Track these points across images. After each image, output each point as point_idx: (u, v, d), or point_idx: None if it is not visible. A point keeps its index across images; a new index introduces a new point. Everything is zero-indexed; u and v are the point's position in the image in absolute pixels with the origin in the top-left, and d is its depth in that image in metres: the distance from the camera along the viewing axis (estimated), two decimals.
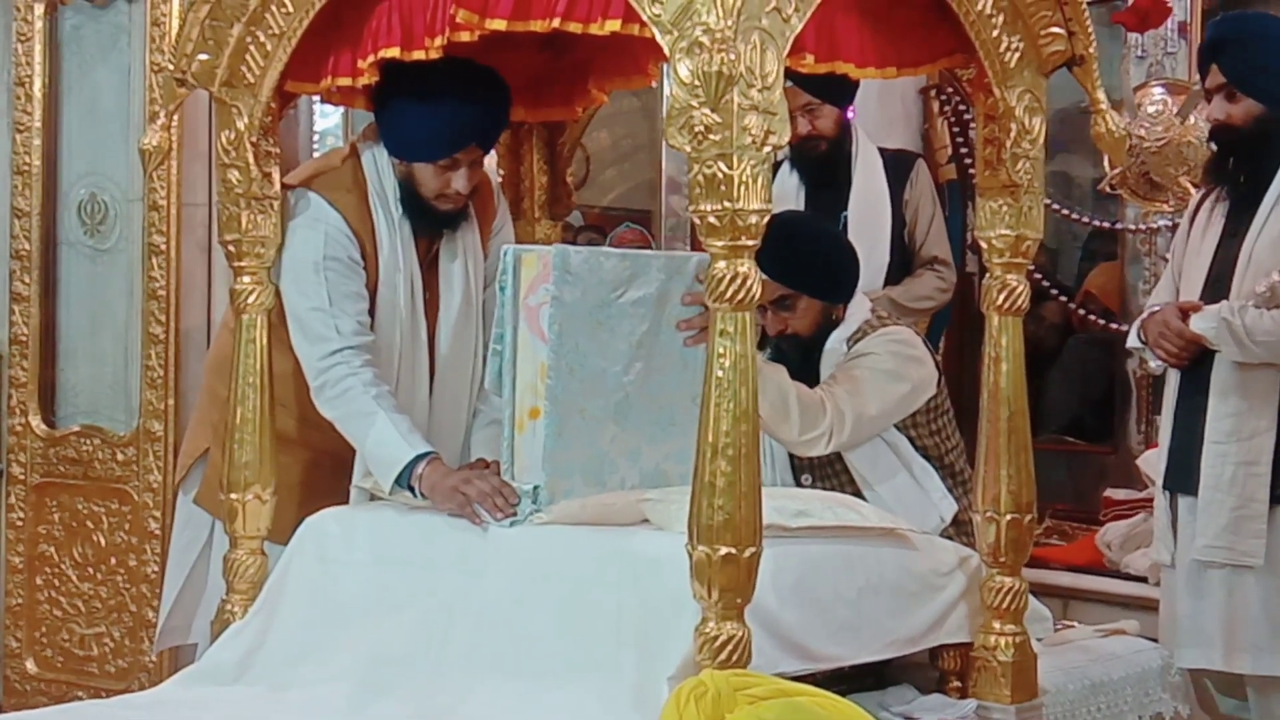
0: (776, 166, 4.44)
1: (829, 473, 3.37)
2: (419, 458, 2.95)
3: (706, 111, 2.30)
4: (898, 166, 4.43)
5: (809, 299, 3.34)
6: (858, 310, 3.42)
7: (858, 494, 3.29)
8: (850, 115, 4.46)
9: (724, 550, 2.33)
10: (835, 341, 3.37)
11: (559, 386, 2.71)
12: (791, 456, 3.40)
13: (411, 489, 2.95)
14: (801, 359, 3.34)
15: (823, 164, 4.33)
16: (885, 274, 4.29)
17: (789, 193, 4.39)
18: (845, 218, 4.26)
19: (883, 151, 4.49)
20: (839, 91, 4.25)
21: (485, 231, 3.37)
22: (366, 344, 3.12)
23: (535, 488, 2.75)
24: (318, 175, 3.22)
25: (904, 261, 4.36)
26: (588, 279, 2.72)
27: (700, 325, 2.78)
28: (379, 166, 3.20)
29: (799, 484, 3.41)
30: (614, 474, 2.78)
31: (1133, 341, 3.71)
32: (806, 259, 3.35)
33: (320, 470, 3.28)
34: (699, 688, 2.09)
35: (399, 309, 3.20)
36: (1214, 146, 3.68)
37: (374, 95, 3.11)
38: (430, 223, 3.22)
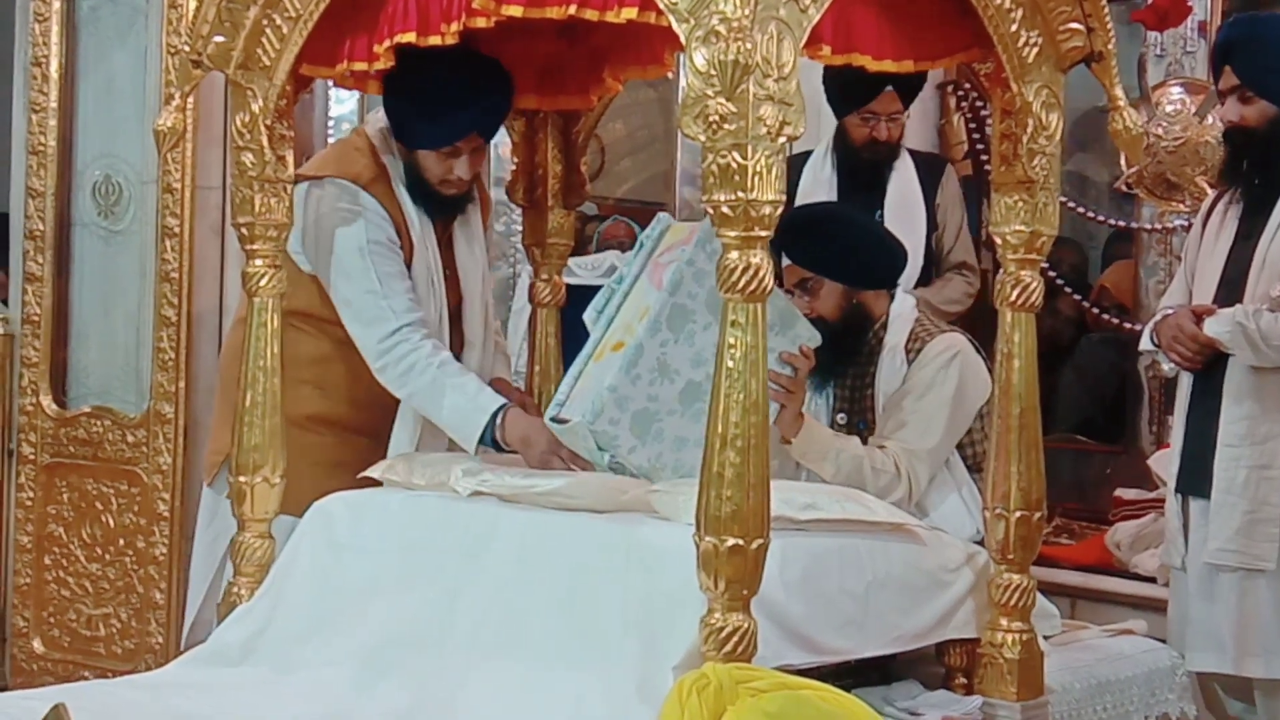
0: (807, 155, 4.44)
1: None
2: (490, 420, 3.14)
3: (722, 101, 2.29)
4: (929, 170, 4.43)
5: (830, 283, 3.34)
6: (904, 311, 3.39)
7: None
8: None
9: (731, 541, 2.32)
10: (891, 350, 3.34)
11: (654, 328, 2.75)
12: None
13: (497, 444, 3.14)
14: (833, 345, 3.33)
15: (875, 167, 4.33)
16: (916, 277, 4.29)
17: (823, 184, 4.39)
18: (880, 218, 4.25)
19: (912, 154, 4.49)
20: (912, 99, 4.32)
21: (484, 225, 3.54)
22: (420, 319, 3.26)
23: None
24: (343, 168, 3.31)
25: (928, 264, 4.36)
26: None
27: (785, 385, 2.99)
28: (395, 154, 3.31)
29: None
30: (656, 443, 2.80)
31: (1145, 344, 3.70)
32: (824, 243, 3.37)
33: (352, 449, 3.36)
34: (701, 680, 2.09)
35: (432, 287, 3.34)
36: (1227, 148, 3.66)
37: (383, 82, 3.17)
38: (437, 207, 3.34)
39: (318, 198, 3.29)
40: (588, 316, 2.94)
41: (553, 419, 2.83)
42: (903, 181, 4.33)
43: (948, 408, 3.26)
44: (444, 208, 3.34)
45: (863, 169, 4.33)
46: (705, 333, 2.78)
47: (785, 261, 3.38)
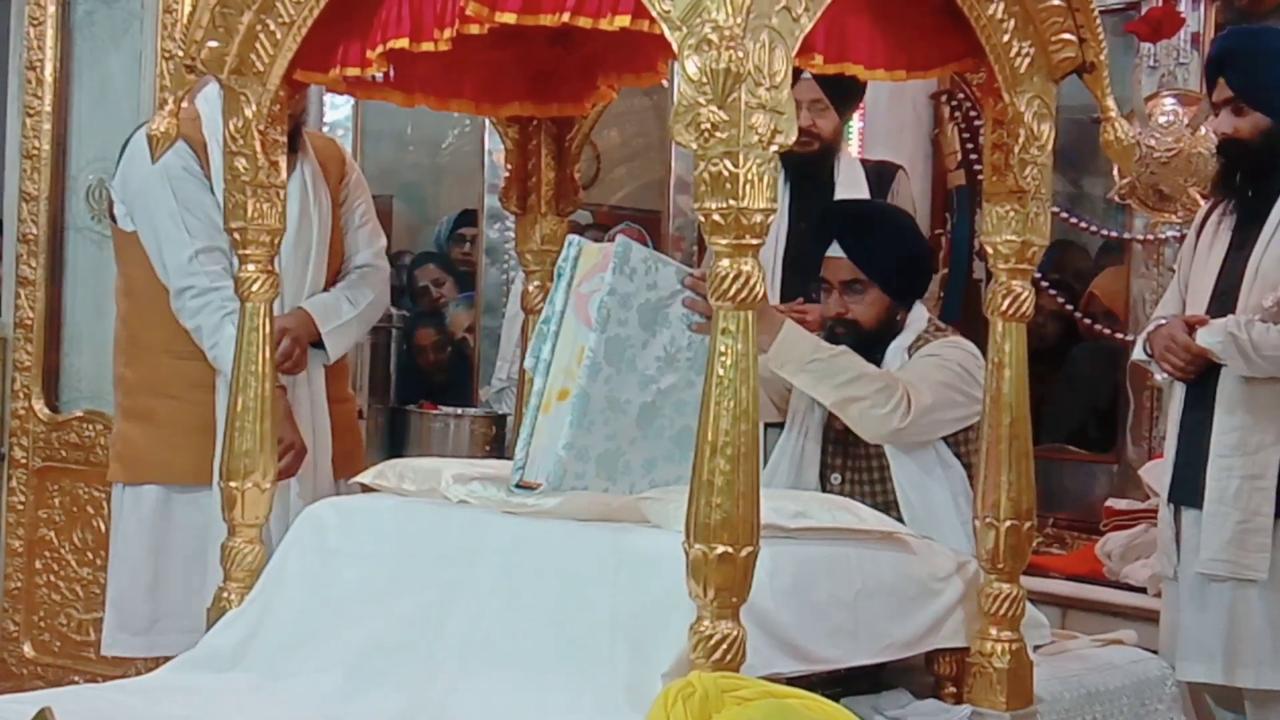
0: None
1: (863, 480, 3.36)
2: None
3: (713, 109, 2.29)
4: (880, 177, 4.43)
5: (878, 291, 3.35)
6: (916, 321, 3.41)
7: (891, 503, 3.29)
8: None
9: (720, 549, 2.32)
10: (895, 351, 3.35)
11: (593, 371, 2.71)
12: (824, 455, 3.39)
13: None
14: (858, 351, 3.32)
15: (810, 163, 4.31)
16: None
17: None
18: None
19: (864, 163, 4.50)
20: (847, 99, 4.28)
21: (332, 180, 3.78)
22: (218, 246, 3.49)
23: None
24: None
25: None
26: (643, 278, 2.74)
27: (704, 311, 2.74)
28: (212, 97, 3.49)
29: (827, 483, 3.39)
30: (626, 475, 2.78)
31: (1138, 354, 3.71)
32: (890, 252, 3.38)
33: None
34: (687, 688, 2.08)
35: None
36: (1221, 160, 3.67)
37: None
38: None
39: (128, 151, 3.57)
40: (528, 365, 2.91)
41: (518, 485, 2.80)
42: (852, 189, 4.33)
43: (945, 370, 3.23)
44: None
45: (799, 164, 4.33)
46: (645, 351, 2.76)
47: (836, 251, 3.36)
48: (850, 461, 3.36)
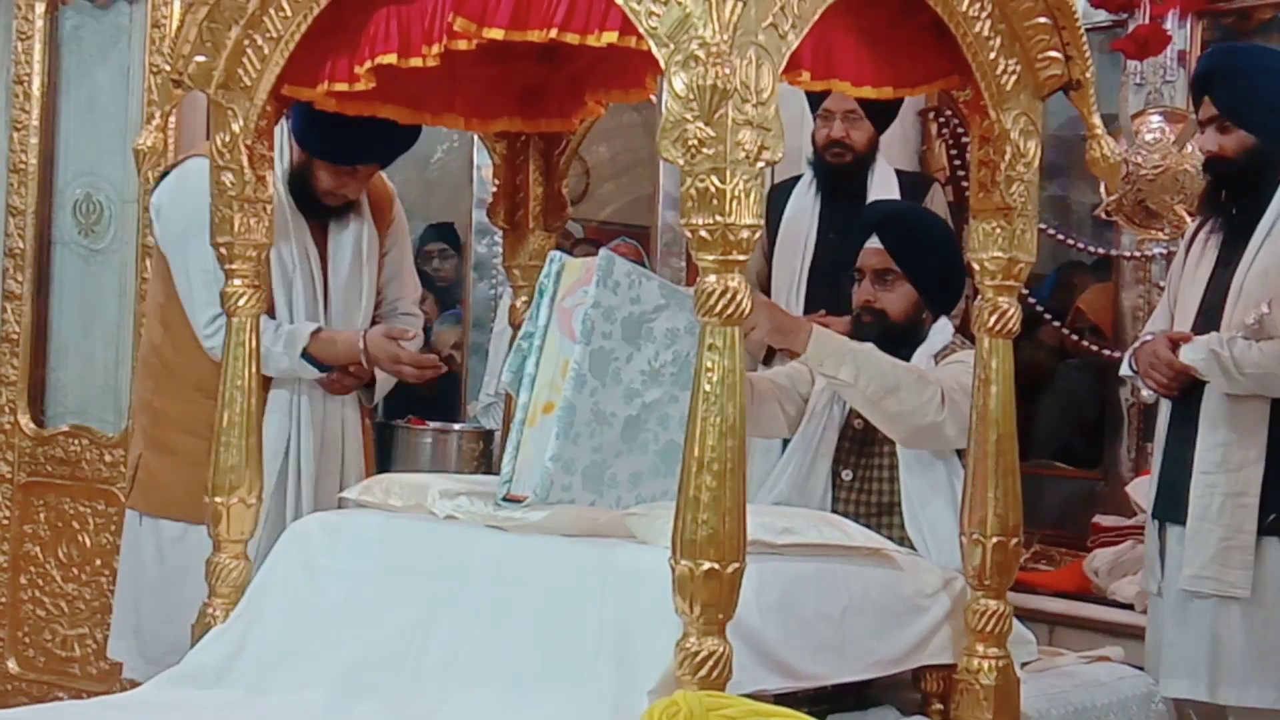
0: (794, 183, 4.43)
1: (872, 478, 3.37)
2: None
3: (700, 125, 2.29)
4: (914, 189, 4.42)
5: (909, 286, 3.37)
6: (942, 332, 3.42)
7: (896, 505, 3.29)
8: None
9: (707, 565, 2.31)
10: (921, 356, 3.35)
11: (579, 384, 2.72)
12: (838, 452, 3.39)
13: (312, 361, 3.56)
14: (877, 340, 3.32)
15: (843, 175, 4.30)
16: None
17: (805, 209, 4.38)
18: None
19: (899, 173, 4.48)
20: (882, 112, 4.26)
21: (381, 225, 3.77)
22: None
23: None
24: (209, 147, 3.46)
25: None
26: (627, 292, 2.75)
27: None
28: (279, 140, 3.42)
29: (838, 478, 3.39)
30: (613, 489, 2.78)
31: (1124, 370, 3.72)
32: (927, 249, 3.42)
33: None
34: (671, 707, 2.07)
35: (284, 264, 3.54)
36: (1207, 178, 3.68)
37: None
38: (313, 210, 3.56)
39: (178, 175, 3.52)
40: (505, 380, 2.91)
41: (504, 498, 2.80)
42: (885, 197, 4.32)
43: (970, 376, 3.22)
44: (321, 213, 3.50)
45: (832, 175, 4.31)
46: (629, 365, 2.76)
47: (874, 242, 3.40)
48: (863, 460, 3.37)
